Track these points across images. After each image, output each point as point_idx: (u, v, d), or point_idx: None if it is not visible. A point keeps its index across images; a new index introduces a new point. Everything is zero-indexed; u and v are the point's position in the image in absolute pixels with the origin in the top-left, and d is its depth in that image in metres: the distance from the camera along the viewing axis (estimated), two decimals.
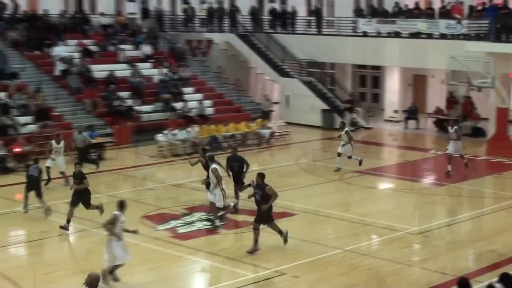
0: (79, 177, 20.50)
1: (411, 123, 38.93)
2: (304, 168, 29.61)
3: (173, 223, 21.23)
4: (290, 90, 40.36)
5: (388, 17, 39.48)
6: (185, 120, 34.71)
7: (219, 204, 20.59)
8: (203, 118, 35.34)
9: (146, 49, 40.28)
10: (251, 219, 21.11)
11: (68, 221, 20.16)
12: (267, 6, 45.71)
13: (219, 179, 20.49)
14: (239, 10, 43.43)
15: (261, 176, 18.78)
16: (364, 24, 39.70)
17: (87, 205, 20.48)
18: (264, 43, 42.14)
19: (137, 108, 35.29)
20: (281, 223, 20.85)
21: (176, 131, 32.17)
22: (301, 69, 41.15)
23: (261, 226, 18.66)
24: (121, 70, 37.64)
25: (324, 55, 40.67)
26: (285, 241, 18.92)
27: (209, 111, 36.77)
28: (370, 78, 45.51)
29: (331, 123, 37.83)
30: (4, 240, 20.31)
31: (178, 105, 36.06)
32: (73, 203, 20.36)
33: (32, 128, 31.36)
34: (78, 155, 27.70)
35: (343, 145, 28.04)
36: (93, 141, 30.10)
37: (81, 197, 20.39)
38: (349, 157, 27.98)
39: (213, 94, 39.16)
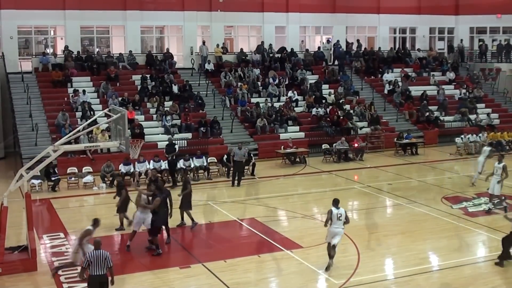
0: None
1: None
2: None
3: (465, 204, 20.45)
4: None
5: None
6: (477, 127, 33.01)
7: None
8: (491, 126, 33.30)
9: (450, 75, 38.79)
10: None
11: None
12: None
13: None
14: None
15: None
16: None
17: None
18: None
19: (442, 118, 34.22)
20: None
21: (470, 136, 30.89)
22: None
23: None
24: (431, 90, 36.62)
25: None
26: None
27: (496, 121, 34.55)
28: None
29: None
30: (348, 207, 20.59)
31: (472, 116, 34.38)
32: None
33: (366, 130, 31.68)
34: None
35: (498, 182, 19.20)
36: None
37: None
38: (491, 192, 19.46)
39: (499, 109, 36.69)
